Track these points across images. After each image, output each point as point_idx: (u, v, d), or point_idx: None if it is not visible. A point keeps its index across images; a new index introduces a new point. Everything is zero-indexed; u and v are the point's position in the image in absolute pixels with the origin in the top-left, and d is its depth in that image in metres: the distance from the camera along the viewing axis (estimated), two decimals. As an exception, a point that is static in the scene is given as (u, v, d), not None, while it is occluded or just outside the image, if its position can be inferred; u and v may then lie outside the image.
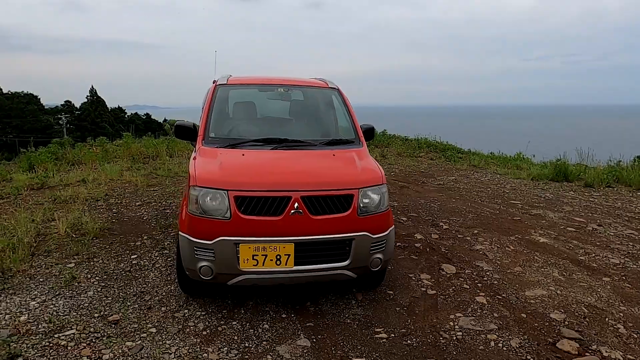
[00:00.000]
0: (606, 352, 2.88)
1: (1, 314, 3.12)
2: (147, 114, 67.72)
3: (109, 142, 13.07)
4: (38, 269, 3.93)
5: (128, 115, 65.34)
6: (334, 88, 4.44)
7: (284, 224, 2.99)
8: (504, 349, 2.91)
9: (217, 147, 3.54)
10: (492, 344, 2.96)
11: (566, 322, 3.24)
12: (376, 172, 3.38)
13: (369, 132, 4.16)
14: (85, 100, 59.20)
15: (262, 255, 3.00)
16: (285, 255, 3.02)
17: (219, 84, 4.19)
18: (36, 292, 3.49)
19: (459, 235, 5.16)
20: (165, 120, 63.78)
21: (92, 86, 59.60)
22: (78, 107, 59.93)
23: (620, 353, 2.88)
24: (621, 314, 3.39)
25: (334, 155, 3.58)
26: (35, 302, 3.30)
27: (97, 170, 8.85)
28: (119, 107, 65.33)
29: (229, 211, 2.97)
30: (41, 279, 3.73)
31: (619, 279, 4.04)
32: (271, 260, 3.01)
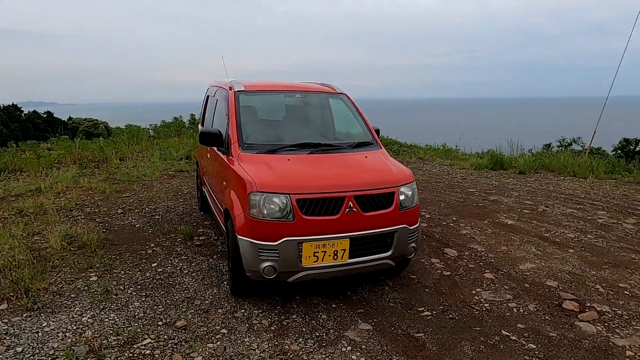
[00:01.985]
0: (598, 307, 3.63)
1: (59, 332, 3.03)
2: (48, 112, 61.33)
3: (38, 146, 11.97)
4: (60, 286, 3.78)
5: (25, 114, 58.61)
6: (342, 93, 4.77)
7: (340, 222, 3.29)
8: (526, 313, 3.52)
9: (257, 153, 3.70)
10: (515, 310, 3.56)
11: (560, 287, 3.96)
12: (407, 172, 3.80)
13: (376, 133, 4.57)
14: (-30, 97, 52.04)
15: (322, 251, 3.28)
16: (341, 250, 3.32)
17: (237, 91, 4.30)
18: (77, 308, 3.40)
19: (442, 223, 5.80)
20: (70, 118, 58.22)
21: (-22, 81, 52.50)
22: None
23: (607, 307, 3.63)
24: (594, 277, 4.21)
25: (366, 157, 3.93)
26: (86, 318, 3.23)
27: (45, 177, 8.18)
28: (13, 104, 58.28)
29: (291, 213, 3.20)
30: (72, 295, 3.61)
31: (579, 250, 4.92)
32: (329, 255, 3.30)
